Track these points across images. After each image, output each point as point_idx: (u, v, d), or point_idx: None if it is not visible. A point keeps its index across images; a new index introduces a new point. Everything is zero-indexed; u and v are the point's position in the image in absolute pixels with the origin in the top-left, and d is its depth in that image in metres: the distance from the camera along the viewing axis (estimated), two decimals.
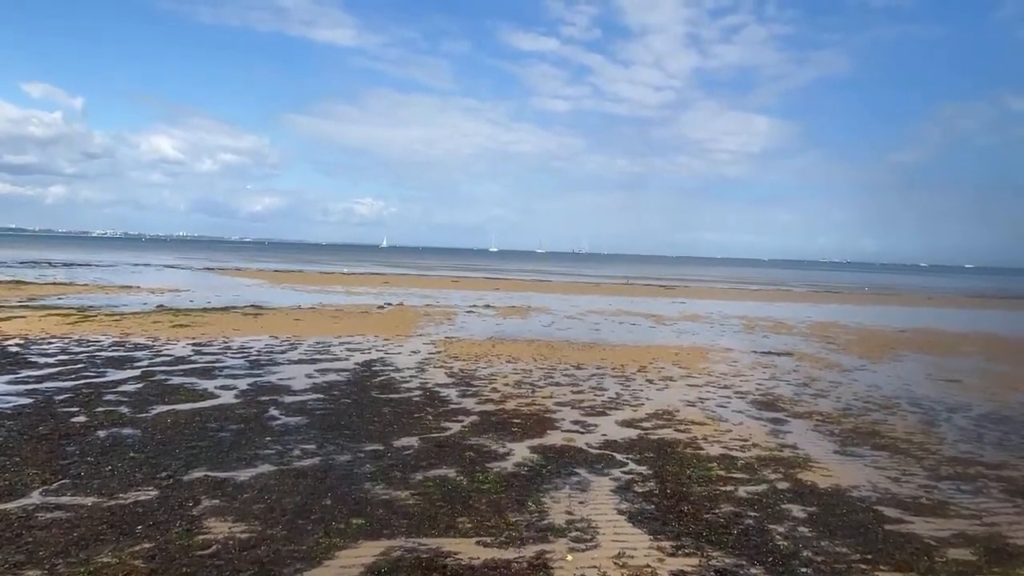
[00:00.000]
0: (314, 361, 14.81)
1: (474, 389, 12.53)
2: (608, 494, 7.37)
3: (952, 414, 12.07)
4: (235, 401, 10.90)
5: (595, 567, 5.63)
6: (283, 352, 15.85)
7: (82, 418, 9.49)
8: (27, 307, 23.25)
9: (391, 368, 14.34)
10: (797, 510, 7.08)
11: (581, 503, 7.07)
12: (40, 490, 6.81)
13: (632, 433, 9.92)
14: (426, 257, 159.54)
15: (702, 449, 9.22)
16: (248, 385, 12.10)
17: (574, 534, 6.27)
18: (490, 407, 11.17)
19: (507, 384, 13.14)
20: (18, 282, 34.93)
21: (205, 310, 24.57)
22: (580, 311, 30.39)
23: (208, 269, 60.29)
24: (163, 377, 12.47)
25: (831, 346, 21.26)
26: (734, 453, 9.09)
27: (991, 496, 7.78)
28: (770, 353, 19.04)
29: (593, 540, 6.17)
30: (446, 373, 14.04)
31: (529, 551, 5.87)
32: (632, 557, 5.84)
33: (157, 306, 25.47)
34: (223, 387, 11.84)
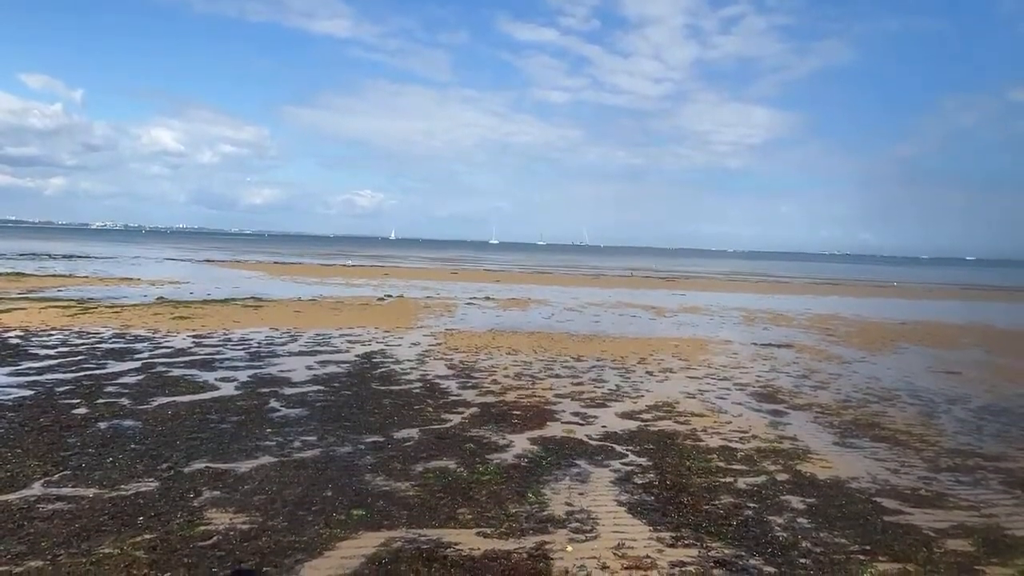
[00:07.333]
0: (314, 353, 14.82)
1: (474, 381, 12.54)
2: (608, 485, 7.39)
3: (952, 406, 12.08)
4: (236, 393, 10.92)
5: (595, 558, 5.65)
6: (283, 344, 15.86)
7: (83, 410, 9.50)
8: (27, 299, 23.24)
9: (391, 360, 14.35)
10: (796, 501, 7.10)
11: (581, 494, 7.09)
12: (41, 481, 6.83)
13: (632, 425, 9.94)
14: (427, 249, 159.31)
15: (702, 441, 9.24)
16: (248, 377, 12.11)
17: (574, 525, 6.29)
18: (490, 399, 11.18)
19: (507, 376, 13.15)
20: (18, 274, 34.89)
21: (205, 302, 24.57)
22: (580, 303, 30.39)
23: (208, 261, 60.23)
24: (163, 369, 12.48)
25: (831, 338, 21.26)
26: (734, 445, 9.10)
27: (990, 488, 7.80)
28: (770, 345, 19.05)
29: (593, 531, 6.19)
30: (446, 365, 14.05)
31: (529, 542, 5.89)
32: (632, 548, 5.85)
33: (157, 298, 25.46)
34: (223, 379, 11.86)
